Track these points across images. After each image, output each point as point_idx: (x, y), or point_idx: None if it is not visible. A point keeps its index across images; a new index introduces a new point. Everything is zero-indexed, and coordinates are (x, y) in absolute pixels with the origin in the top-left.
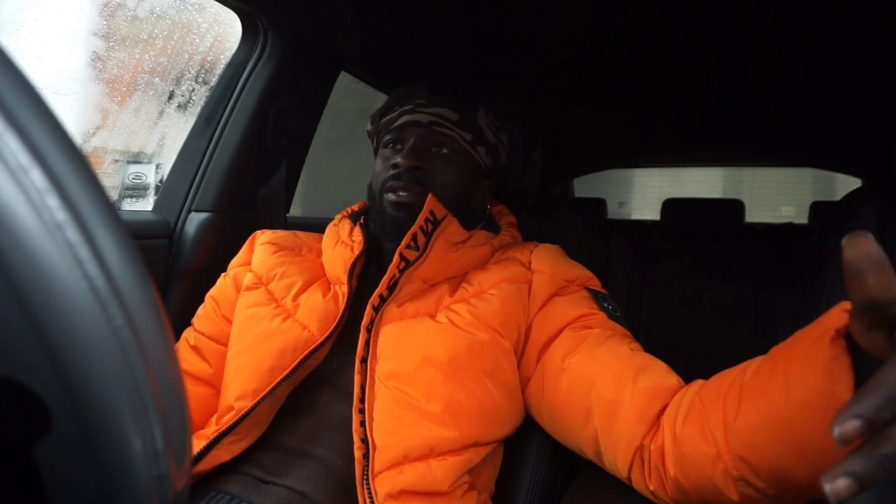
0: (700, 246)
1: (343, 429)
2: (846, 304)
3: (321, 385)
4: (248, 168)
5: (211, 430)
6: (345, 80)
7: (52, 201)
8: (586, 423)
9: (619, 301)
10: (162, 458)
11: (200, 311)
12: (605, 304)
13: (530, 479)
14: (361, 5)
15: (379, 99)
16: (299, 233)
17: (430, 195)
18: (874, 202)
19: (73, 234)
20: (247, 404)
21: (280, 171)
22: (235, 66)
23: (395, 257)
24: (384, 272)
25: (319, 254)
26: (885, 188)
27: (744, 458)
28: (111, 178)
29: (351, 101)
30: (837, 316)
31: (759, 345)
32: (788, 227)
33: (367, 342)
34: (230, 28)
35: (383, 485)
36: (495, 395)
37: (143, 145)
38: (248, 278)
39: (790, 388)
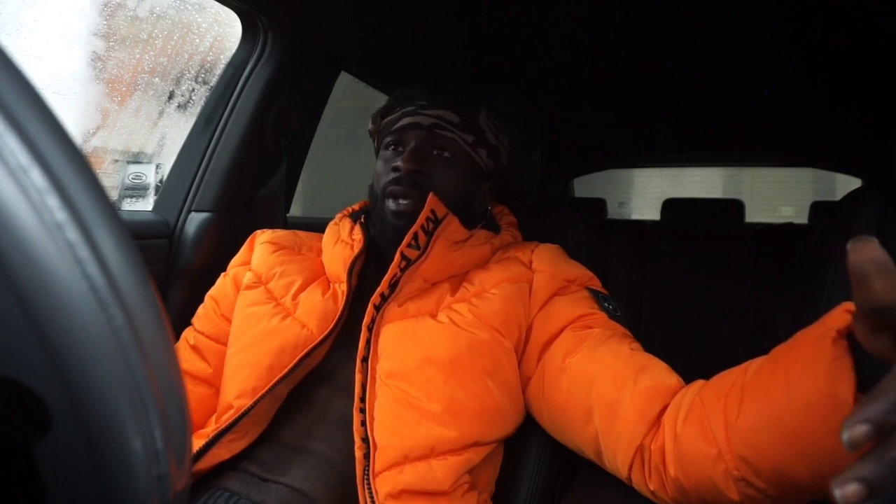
0: (700, 246)
1: (342, 425)
2: (848, 305)
3: (320, 382)
4: (248, 168)
5: (210, 429)
6: (345, 80)
7: (52, 201)
8: (587, 422)
9: (619, 301)
10: (162, 458)
11: (200, 310)
12: (606, 304)
13: (530, 479)
14: (361, 5)
15: (379, 99)
16: (299, 232)
17: (431, 194)
18: (874, 202)
19: (73, 234)
20: (246, 402)
21: (280, 171)
22: (235, 66)
23: (397, 256)
24: (384, 271)
25: (319, 253)
26: (885, 188)
27: (745, 459)
28: (111, 178)
29: (351, 101)
30: (839, 316)
31: (759, 345)
32: (788, 227)
33: (368, 341)
34: (230, 28)
35: (384, 484)
36: (496, 395)
37: (143, 145)
38: (247, 277)
39: (791, 388)
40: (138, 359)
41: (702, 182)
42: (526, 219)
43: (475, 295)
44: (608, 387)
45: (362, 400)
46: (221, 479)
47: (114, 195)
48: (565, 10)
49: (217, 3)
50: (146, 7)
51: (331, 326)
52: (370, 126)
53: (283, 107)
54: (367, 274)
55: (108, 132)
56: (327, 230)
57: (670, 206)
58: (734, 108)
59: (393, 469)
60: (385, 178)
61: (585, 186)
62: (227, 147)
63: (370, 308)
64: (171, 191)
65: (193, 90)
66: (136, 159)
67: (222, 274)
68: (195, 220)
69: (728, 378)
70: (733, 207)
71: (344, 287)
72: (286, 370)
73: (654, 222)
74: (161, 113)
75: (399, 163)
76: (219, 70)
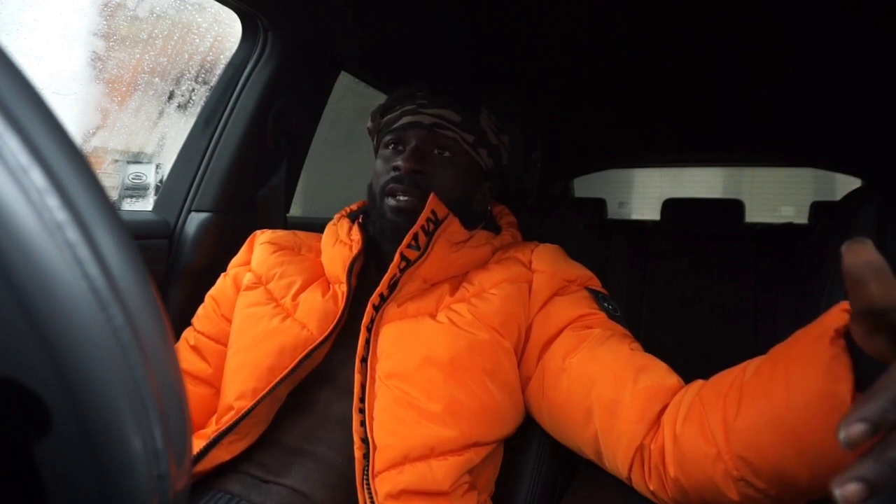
0: (700, 246)
1: (343, 427)
2: (845, 304)
3: (321, 383)
4: (248, 168)
5: (211, 430)
6: (345, 80)
7: (52, 201)
8: (586, 422)
9: (619, 301)
10: (162, 458)
11: (200, 310)
12: (606, 304)
13: (530, 479)
14: (361, 5)
15: (379, 99)
16: (299, 232)
17: (432, 194)
18: (874, 202)
19: (73, 234)
20: (246, 404)
21: (280, 171)
22: (235, 66)
23: (396, 257)
24: (384, 271)
25: (319, 253)
26: (885, 188)
27: (744, 459)
28: (111, 178)
29: (351, 101)
30: (837, 316)
31: (759, 345)
32: (788, 227)
33: (368, 341)
34: (230, 28)
35: (384, 484)
36: (496, 395)
37: (143, 145)
38: (247, 278)
39: (791, 388)
40: (138, 359)
41: (702, 182)
42: (526, 219)
43: (475, 295)
44: (608, 387)
45: (361, 400)
46: (222, 481)
47: (114, 195)
48: (565, 11)
49: (217, 3)
50: (146, 7)
51: (331, 327)
52: (369, 124)
53: (283, 107)
54: (366, 274)
55: (108, 132)
56: (326, 231)
57: (670, 206)
58: (734, 108)
59: (393, 469)
60: (385, 176)
61: (585, 186)
62: (227, 147)
63: (369, 308)
64: (171, 191)
65: (193, 90)
66: (136, 159)
67: (222, 274)
68: (195, 220)
69: (727, 378)
70: (733, 207)
71: (343, 288)
72: (286, 371)
73: (654, 222)
74: (161, 113)
75: (399, 162)
76: (219, 70)
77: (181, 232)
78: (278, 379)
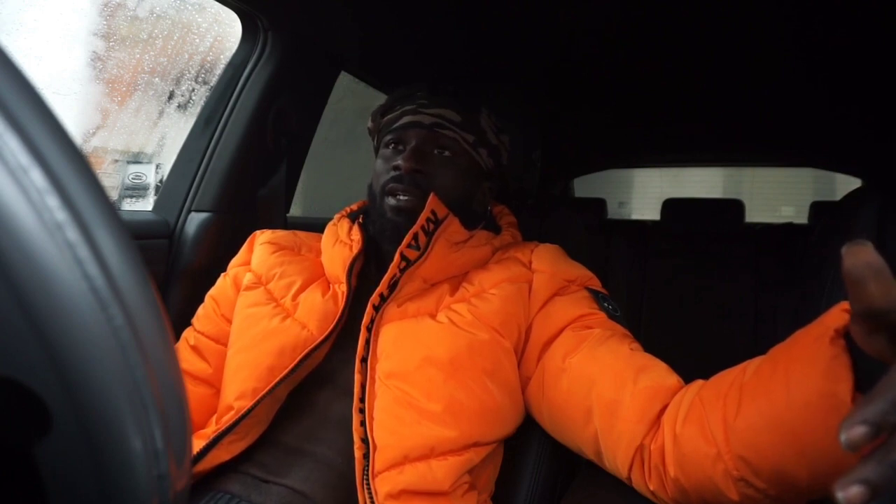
0: (700, 246)
1: (343, 427)
2: (845, 304)
3: (321, 384)
4: (248, 168)
5: (211, 430)
6: (345, 80)
7: (52, 201)
8: (586, 422)
9: (619, 301)
10: (162, 458)
11: (200, 310)
12: (606, 304)
13: (530, 479)
14: (361, 5)
15: (379, 99)
16: (299, 232)
17: (432, 194)
18: (874, 202)
19: (73, 234)
20: (246, 404)
21: (280, 171)
22: (235, 66)
23: (396, 257)
24: (384, 271)
25: (319, 253)
26: (885, 188)
27: (744, 459)
28: (111, 178)
29: (351, 101)
30: (837, 316)
31: (759, 345)
32: (788, 227)
33: (368, 341)
34: (230, 28)
35: (383, 484)
36: (496, 395)
37: (143, 145)
38: (247, 278)
39: (791, 388)
40: (138, 359)
41: (702, 182)
42: (526, 219)
43: (475, 295)
44: (608, 387)
45: (361, 400)
46: (222, 482)
47: (114, 195)
48: (565, 11)
49: (217, 3)
50: (146, 7)
51: (331, 327)
52: (370, 124)
53: (283, 107)
54: (366, 274)
55: (108, 132)
56: (326, 231)
57: (670, 206)
58: (734, 108)
59: (393, 469)
60: (385, 176)
61: (585, 186)
62: (227, 147)
63: (369, 308)
64: (171, 191)
65: (193, 90)
66: (136, 159)
67: (222, 274)
68: (195, 220)
69: (727, 378)
70: (733, 207)
71: (343, 288)
72: (286, 371)
73: (654, 222)
74: (161, 113)
75: (399, 161)
76: (219, 70)
77: (181, 232)
78: (278, 379)
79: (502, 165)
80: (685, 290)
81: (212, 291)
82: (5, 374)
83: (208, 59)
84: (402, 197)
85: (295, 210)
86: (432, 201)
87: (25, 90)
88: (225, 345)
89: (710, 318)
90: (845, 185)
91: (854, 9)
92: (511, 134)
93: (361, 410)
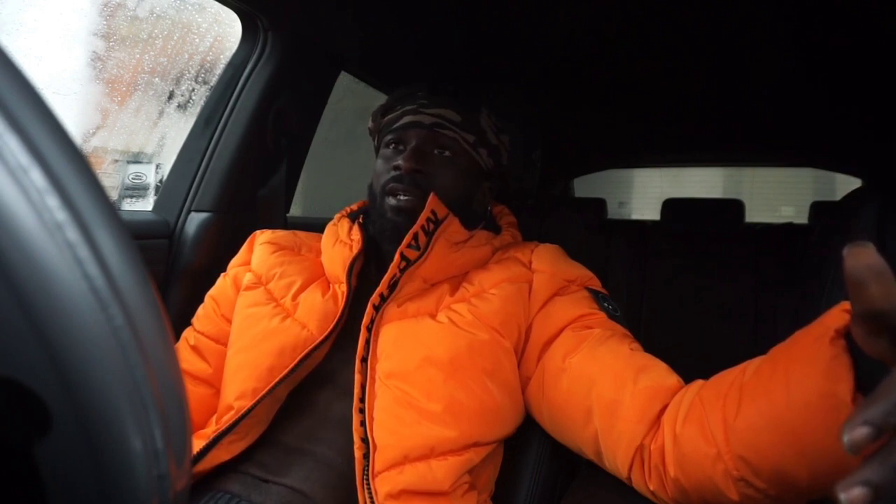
0: (700, 246)
1: (343, 427)
2: (845, 305)
3: (321, 384)
4: (248, 168)
5: (211, 430)
6: (345, 80)
7: (52, 201)
8: (586, 422)
9: (619, 301)
10: (162, 458)
11: (200, 311)
12: (606, 304)
13: (530, 479)
14: (361, 5)
15: (379, 99)
16: (299, 232)
17: (432, 194)
18: (874, 202)
19: (73, 234)
20: (246, 404)
21: (280, 171)
22: (235, 66)
23: (396, 257)
24: (384, 271)
25: (319, 253)
26: (885, 188)
27: (744, 459)
28: (111, 178)
29: (351, 101)
30: (837, 316)
31: (759, 345)
32: (788, 227)
33: (368, 341)
34: (230, 28)
35: (383, 484)
36: (496, 395)
37: (143, 145)
38: (247, 278)
39: (791, 388)
40: (138, 359)
41: (702, 182)
42: (526, 219)
43: (475, 295)
44: (608, 387)
45: (361, 400)
46: (222, 481)
47: (114, 195)
48: (565, 10)
49: (217, 3)
50: (146, 7)
51: (331, 327)
52: (370, 124)
53: (283, 107)
54: (366, 274)
55: (108, 132)
56: (326, 231)
57: (670, 206)
58: (734, 108)
59: (393, 469)
60: (385, 176)
61: (585, 186)
62: (227, 147)
63: (369, 308)
64: (171, 191)
65: (193, 90)
66: (136, 159)
67: (222, 274)
68: (195, 220)
69: (727, 378)
70: (733, 207)
71: (343, 288)
72: (286, 371)
73: (654, 222)
74: (161, 113)
75: (400, 161)
76: (219, 70)
77: (181, 232)
78: (278, 379)
79: (502, 165)
80: (685, 290)
81: (212, 291)
82: (5, 374)
83: (208, 59)
84: (402, 197)
85: (295, 210)
86: (432, 201)
87: (25, 90)
88: (225, 345)
89: (710, 318)
90: (845, 185)
91: (854, 9)
92: (511, 134)
93: (361, 410)
